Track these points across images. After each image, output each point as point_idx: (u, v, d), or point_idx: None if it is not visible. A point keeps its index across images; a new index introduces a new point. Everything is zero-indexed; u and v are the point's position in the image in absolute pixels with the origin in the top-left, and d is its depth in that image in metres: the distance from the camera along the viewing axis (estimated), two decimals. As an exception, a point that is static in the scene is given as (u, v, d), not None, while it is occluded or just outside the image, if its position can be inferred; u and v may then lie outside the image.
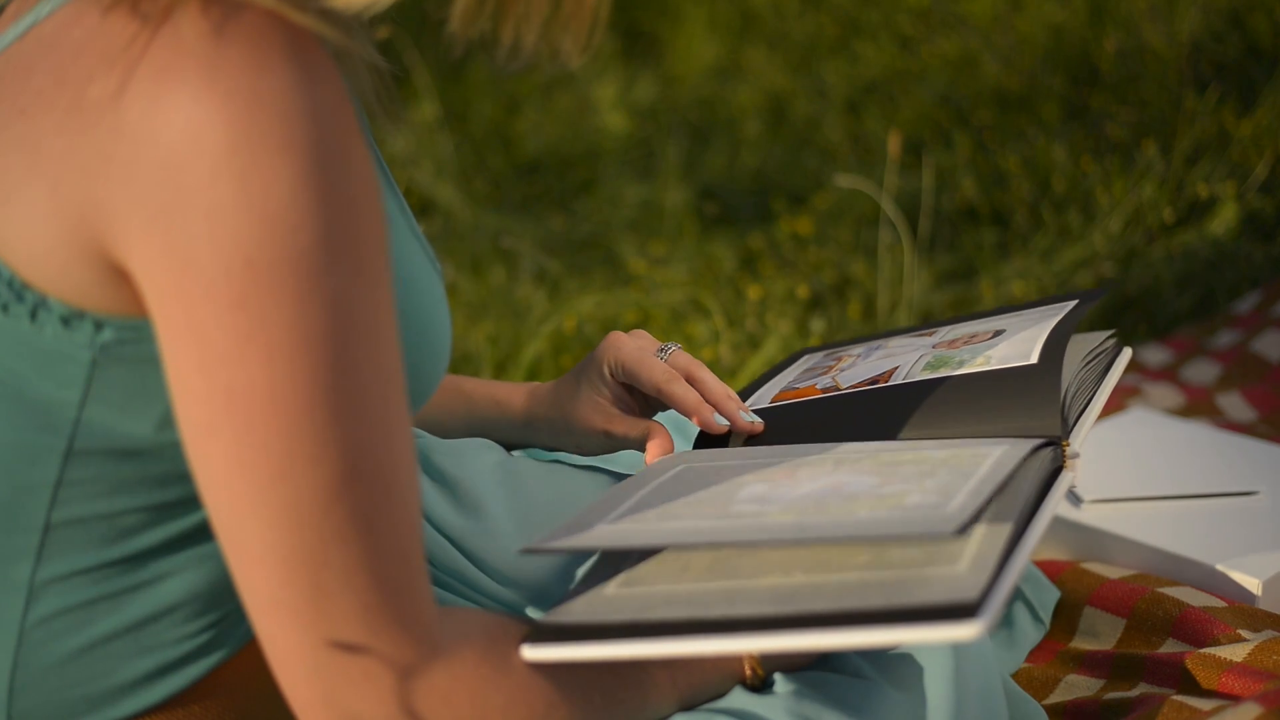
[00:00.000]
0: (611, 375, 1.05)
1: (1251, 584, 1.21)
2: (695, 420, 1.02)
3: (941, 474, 0.86)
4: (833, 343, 1.27)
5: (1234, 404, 1.69)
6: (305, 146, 0.69)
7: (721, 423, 1.02)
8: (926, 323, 1.24)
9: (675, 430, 1.15)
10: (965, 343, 1.10)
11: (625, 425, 1.04)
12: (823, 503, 0.83)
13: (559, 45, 0.79)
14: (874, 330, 2.05)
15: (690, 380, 1.04)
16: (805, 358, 1.23)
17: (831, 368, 1.15)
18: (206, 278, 0.69)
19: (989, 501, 0.79)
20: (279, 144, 0.69)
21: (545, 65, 0.79)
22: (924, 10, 2.96)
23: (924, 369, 1.06)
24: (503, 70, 0.80)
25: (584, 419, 1.05)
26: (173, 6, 0.70)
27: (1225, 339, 1.84)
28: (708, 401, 1.03)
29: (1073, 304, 1.12)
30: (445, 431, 1.13)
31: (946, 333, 1.15)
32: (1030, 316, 1.12)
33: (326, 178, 0.70)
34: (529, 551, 0.85)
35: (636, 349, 1.04)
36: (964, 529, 0.75)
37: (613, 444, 1.05)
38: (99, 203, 0.71)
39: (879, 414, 1.02)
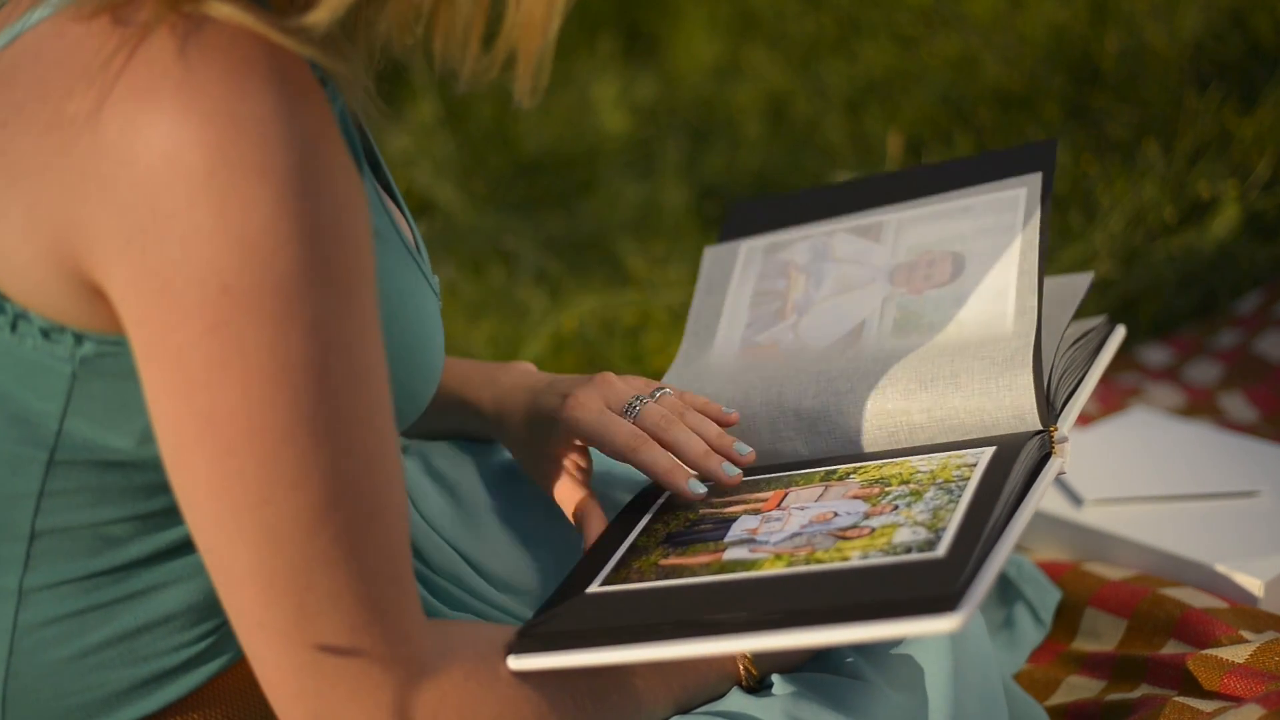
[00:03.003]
0: (569, 435, 0.96)
1: (1253, 585, 1.20)
2: (669, 489, 0.92)
3: (929, 494, 0.84)
4: (768, 199, 1.18)
5: (1236, 404, 1.69)
6: (284, 171, 0.68)
7: (698, 490, 0.91)
8: (869, 178, 1.14)
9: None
10: (925, 278, 1.04)
11: (562, 492, 0.97)
12: (813, 543, 0.82)
13: (503, 79, 0.77)
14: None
15: (662, 442, 0.93)
16: (741, 253, 1.14)
17: (786, 298, 1.09)
18: (183, 302, 0.69)
19: (980, 533, 0.78)
20: (257, 169, 0.68)
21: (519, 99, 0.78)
22: (924, 10, 2.95)
23: (892, 329, 1.03)
24: (460, 91, 0.79)
25: (532, 465, 1.00)
26: (152, 24, 0.69)
27: (1227, 339, 1.83)
28: (685, 461, 0.93)
29: (1024, 191, 1.05)
30: (430, 432, 1.11)
31: (897, 235, 1.08)
32: (988, 224, 1.05)
33: (306, 203, 0.69)
34: (526, 632, 0.82)
35: (598, 414, 0.94)
36: (957, 578, 0.74)
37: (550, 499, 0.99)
38: (76, 222, 0.70)
39: (843, 395, 0.99)
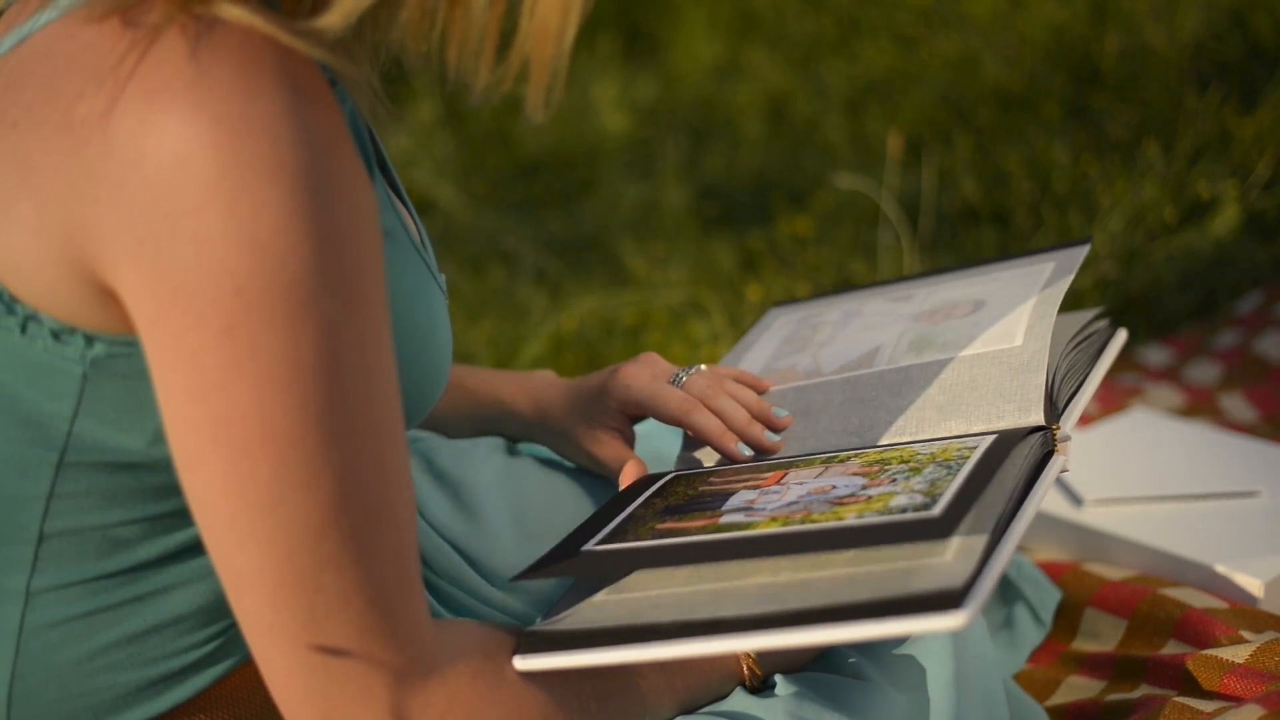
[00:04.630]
0: (620, 410, 1.03)
1: (1253, 585, 1.20)
2: (719, 451, 1.01)
3: (928, 470, 0.85)
4: (804, 299, 1.26)
5: (1236, 404, 1.69)
6: (295, 172, 0.68)
7: (745, 452, 1.01)
8: (902, 278, 1.23)
9: (656, 460, 1.14)
10: (945, 316, 1.09)
11: (609, 452, 1.03)
12: (809, 508, 0.83)
13: (515, 91, 0.77)
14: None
15: (709, 409, 1.02)
16: (779, 320, 1.22)
17: (809, 339, 1.14)
18: (196, 304, 0.69)
19: (976, 498, 0.79)
20: (269, 170, 0.68)
21: (528, 113, 0.77)
22: (924, 10, 2.95)
23: (907, 349, 1.06)
24: (474, 105, 0.79)
25: (577, 439, 1.05)
26: (163, 26, 0.69)
27: (1227, 339, 1.83)
28: (731, 429, 1.01)
29: (1052, 265, 1.11)
30: (450, 429, 1.13)
31: (925, 297, 1.14)
32: (1011, 280, 1.11)
33: (317, 204, 0.69)
34: (518, 579, 0.85)
35: (649, 382, 1.03)
36: (951, 531, 0.75)
37: (594, 466, 1.05)
38: (87, 223, 0.70)
39: (867, 402, 1.01)
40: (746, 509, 0.86)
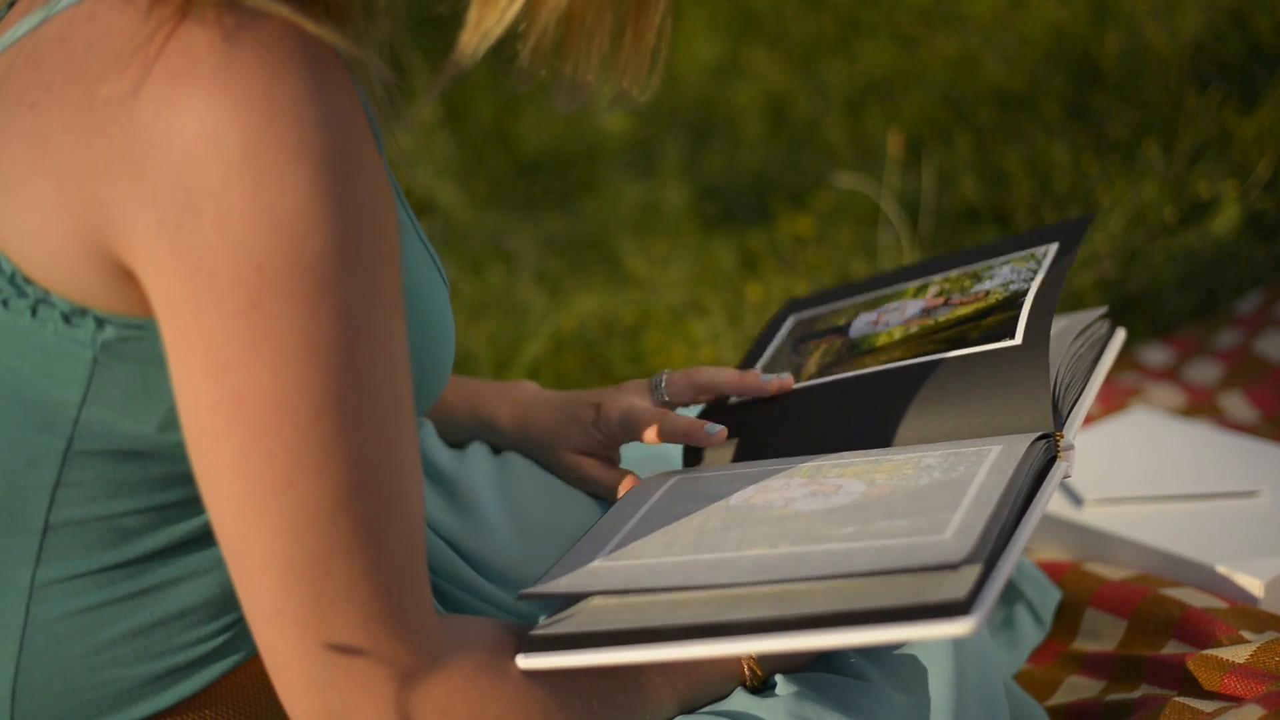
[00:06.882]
0: (607, 438, 1.05)
1: (1253, 585, 1.20)
2: (745, 389, 1.04)
3: (931, 494, 0.84)
4: (821, 294, 1.24)
5: (1236, 404, 1.69)
6: (318, 155, 0.69)
7: (768, 379, 1.05)
8: (917, 266, 1.20)
9: (658, 460, 1.14)
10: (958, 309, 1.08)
11: (599, 472, 1.05)
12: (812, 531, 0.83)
13: (619, 86, 0.80)
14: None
15: (701, 391, 1.05)
16: (792, 318, 1.20)
17: (821, 345, 1.13)
18: (217, 283, 0.69)
19: (987, 531, 0.78)
20: (293, 152, 0.69)
21: (606, 105, 0.80)
22: (924, 10, 2.95)
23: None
24: (563, 111, 0.81)
25: (563, 459, 1.06)
26: (188, 9, 0.70)
27: (1227, 339, 1.83)
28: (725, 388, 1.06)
29: (1055, 246, 1.10)
30: (444, 437, 1.13)
31: (938, 286, 1.13)
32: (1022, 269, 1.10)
33: (339, 186, 0.70)
34: (526, 597, 0.85)
35: (628, 408, 1.04)
36: (966, 560, 0.74)
37: (583, 485, 1.06)
38: (106, 203, 0.71)
39: (865, 403, 1.01)
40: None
